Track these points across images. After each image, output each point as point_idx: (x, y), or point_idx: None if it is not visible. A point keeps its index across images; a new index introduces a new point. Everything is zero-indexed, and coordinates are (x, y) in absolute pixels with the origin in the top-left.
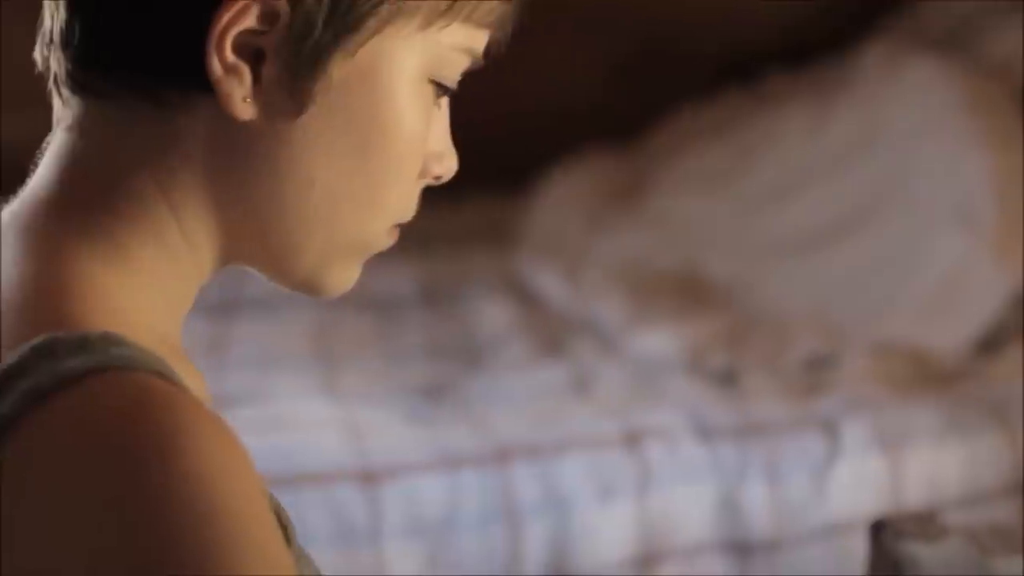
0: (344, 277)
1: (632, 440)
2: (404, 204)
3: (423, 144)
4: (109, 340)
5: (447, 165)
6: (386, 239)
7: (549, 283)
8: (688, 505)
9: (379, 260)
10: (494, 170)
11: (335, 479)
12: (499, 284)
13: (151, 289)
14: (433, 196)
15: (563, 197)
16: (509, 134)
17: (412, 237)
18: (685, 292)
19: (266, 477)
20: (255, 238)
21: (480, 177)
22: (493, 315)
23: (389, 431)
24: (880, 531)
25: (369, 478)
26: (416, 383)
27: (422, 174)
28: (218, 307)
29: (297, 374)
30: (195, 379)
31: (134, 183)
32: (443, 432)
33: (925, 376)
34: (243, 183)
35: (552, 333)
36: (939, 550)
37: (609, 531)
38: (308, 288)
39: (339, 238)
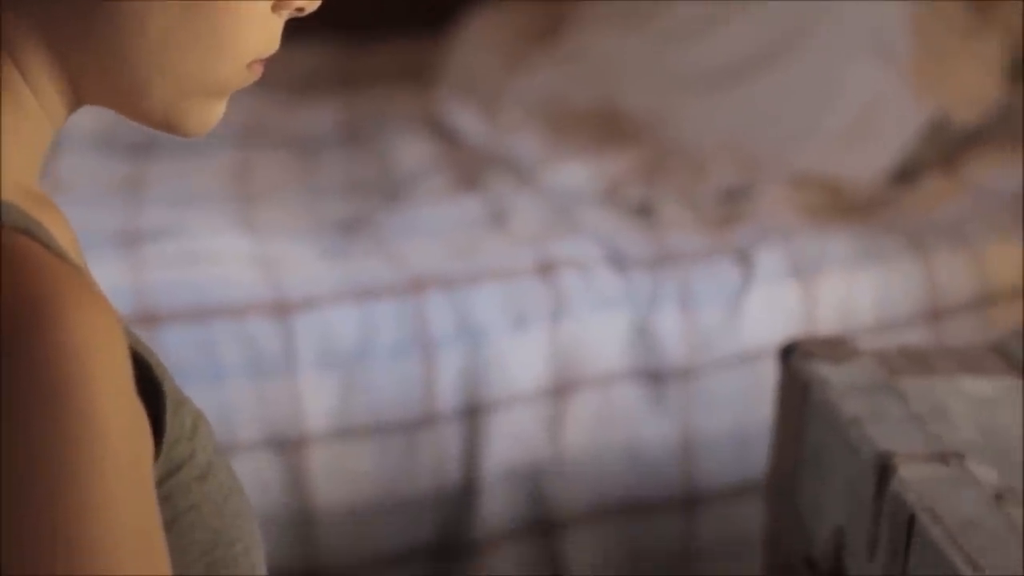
0: (204, 117)
1: (546, 270)
2: (259, 40)
3: None
4: None
5: None
6: (245, 77)
7: (467, 120)
8: (601, 333)
9: (299, 100)
10: (414, 10)
11: (249, 312)
12: (418, 122)
13: (9, 146)
14: (354, 36)
15: (482, 36)
16: None
17: (332, 76)
18: (602, 127)
19: (181, 311)
20: (103, 84)
21: (400, 17)
22: (411, 152)
23: (304, 264)
24: (790, 354)
25: (283, 310)
26: (333, 219)
27: (278, 6)
28: (136, 147)
29: (215, 211)
30: (61, 225)
31: None
32: (358, 264)
33: (840, 206)
34: (79, 33)
35: (469, 168)
36: (847, 370)
37: (522, 360)
38: (169, 128)
39: (189, 80)
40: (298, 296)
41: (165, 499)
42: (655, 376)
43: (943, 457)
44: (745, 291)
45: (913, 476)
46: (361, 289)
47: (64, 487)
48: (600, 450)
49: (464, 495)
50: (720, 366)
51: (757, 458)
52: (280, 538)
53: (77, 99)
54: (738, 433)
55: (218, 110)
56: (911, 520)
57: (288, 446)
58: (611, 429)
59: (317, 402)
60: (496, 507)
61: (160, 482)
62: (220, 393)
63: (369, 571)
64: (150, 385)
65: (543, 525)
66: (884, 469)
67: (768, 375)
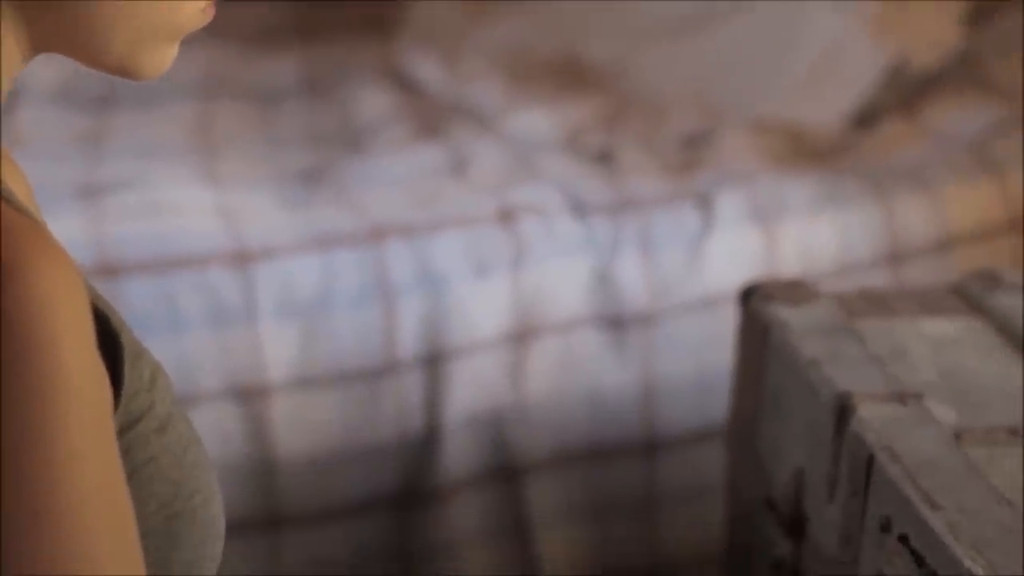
0: (159, 61)
1: (507, 217)
2: None
3: None
4: None
5: None
6: (199, 19)
7: (428, 70)
8: (562, 280)
9: (260, 51)
10: None
11: (209, 262)
12: (379, 73)
13: None
14: None
15: None
16: None
17: (293, 28)
18: (563, 76)
19: (141, 262)
20: (58, 32)
21: None
22: (372, 102)
23: (265, 214)
24: (750, 297)
25: (243, 260)
26: (294, 169)
27: None
28: (97, 100)
29: (176, 162)
30: (17, 178)
31: None
32: (318, 214)
33: (801, 151)
34: None
35: (430, 118)
36: (807, 313)
37: (484, 307)
38: (124, 73)
39: (144, 24)
40: (258, 246)
41: (124, 451)
42: (616, 322)
43: (902, 397)
44: (706, 236)
45: (872, 416)
46: (322, 238)
47: (30, 443)
48: (562, 396)
49: (426, 442)
50: (681, 311)
51: (718, 403)
52: (242, 488)
53: (32, 48)
54: (699, 378)
55: (171, 53)
56: (870, 460)
57: (249, 396)
58: (572, 375)
59: (278, 352)
60: (458, 454)
61: (119, 434)
62: (181, 344)
63: (332, 520)
64: (108, 337)
65: (505, 471)
66: (843, 409)
67: (729, 320)
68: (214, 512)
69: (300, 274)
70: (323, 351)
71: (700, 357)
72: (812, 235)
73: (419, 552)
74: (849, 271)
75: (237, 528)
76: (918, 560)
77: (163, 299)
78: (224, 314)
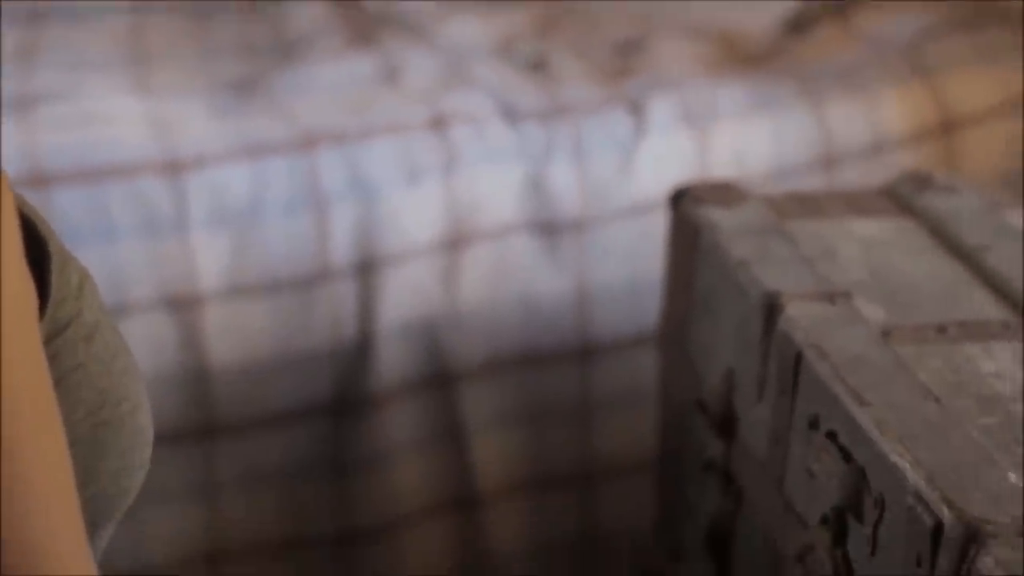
0: None
1: (439, 123)
2: None
3: None
4: None
5: None
6: None
7: None
8: (495, 186)
9: None
10: None
11: (141, 171)
12: None
13: None
14: None
15: None
16: None
17: None
18: None
19: (72, 172)
20: None
21: None
22: (305, 13)
23: (196, 124)
24: (680, 199)
25: (174, 169)
26: (227, 79)
27: None
28: (28, 16)
29: (108, 73)
30: None
31: None
32: (250, 123)
33: (734, 57)
34: None
35: (364, 28)
36: (737, 214)
37: (416, 214)
38: None
39: None
40: (190, 155)
41: (51, 358)
42: (549, 228)
43: (830, 296)
44: (638, 141)
45: (800, 315)
46: (253, 147)
47: None
48: (495, 303)
49: (360, 350)
50: (614, 217)
51: (652, 308)
52: (175, 397)
53: None
54: (633, 284)
55: None
56: (798, 358)
57: (182, 305)
58: (506, 282)
59: (210, 261)
60: (392, 361)
61: (46, 342)
62: (113, 253)
63: (266, 428)
64: (35, 244)
65: (439, 378)
66: (771, 309)
67: (663, 225)
68: (142, 421)
69: (232, 183)
70: (255, 260)
71: (634, 263)
72: (745, 139)
73: (354, 459)
74: (783, 175)
75: (171, 438)
76: (845, 456)
77: (95, 209)
78: (156, 223)
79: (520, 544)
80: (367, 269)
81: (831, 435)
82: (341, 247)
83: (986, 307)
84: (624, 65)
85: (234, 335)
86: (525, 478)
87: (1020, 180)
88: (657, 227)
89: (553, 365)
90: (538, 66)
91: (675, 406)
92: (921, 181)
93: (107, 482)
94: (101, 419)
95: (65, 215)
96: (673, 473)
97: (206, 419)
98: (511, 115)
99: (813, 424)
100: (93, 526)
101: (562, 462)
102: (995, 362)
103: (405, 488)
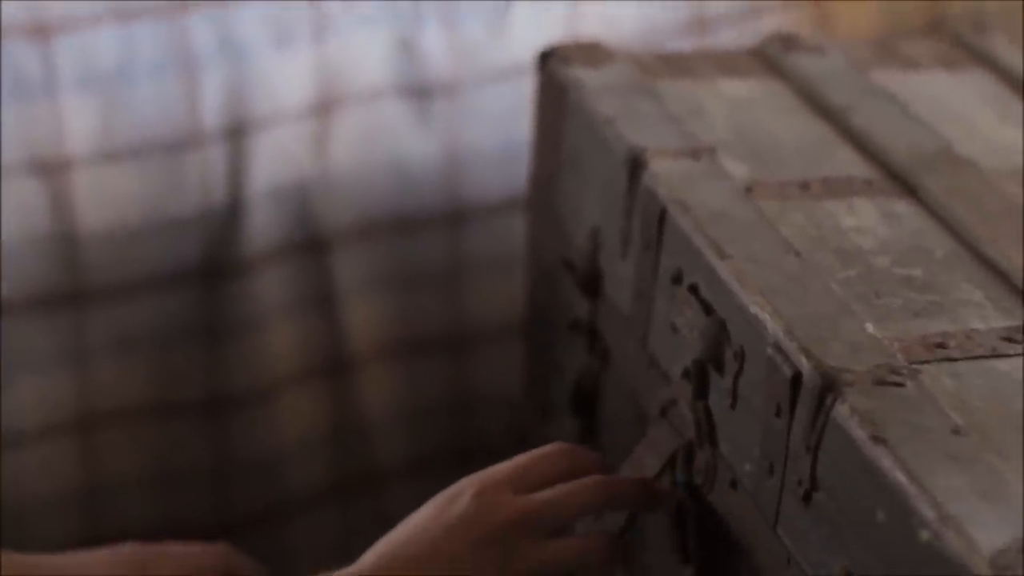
0: None
1: None
2: None
3: None
4: None
5: None
6: None
7: None
8: (365, 50)
9: None
10: None
11: (7, 34)
12: None
13: None
14: None
15: None
16: None
17: None
18: None
19: None
20: None
21: None
22: None
23: None
24: (547, 58)
25: (42, 32)
26: None
27: None
28: None
29: None
30: None
31: None
32: None
33: None
34: None
35: None
36: (604, 74)
37: (286, 78)
38: None
39: None
40: (56, 17)
41: None
42: (420, 92)
43: (695, 152)
44: (510, 4)
45: (664, 170)
46: (122, 9)
47: None
48: (366, 167)
49: (231, 215)
50: (486, 80)
51: (524, 172)
52: (45, 263)
53: None
54: (505, 148)
55: None
56: (662, 214)
57: (50, 170)
58: (377, 146)
59: (79, 125)
60: (263, 226)
61: None
62: None
63: (137, 293)
64: None
65: (311, 243)
66: (636, 165)
67: (532, 90)
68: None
69: (101, 46)
70: (125, 124)
71: (506, 127)
72: (617, 1)
73: (225, 325)
74: (654, 37)
75: (41, 304)
76: (707, 309)
77: None
78: (23, 87)
79: (393, 408)
80: (237, 133)
81: (693, 289)
82: (211, 111)
83: (850, 165)
84: None
85: (103, 200)
86: (397, 342)
87: (889, 42)
88: (529, 91)
89: (424, 229)
90: None
91: (543, 267)
92: (789, 42)
93: None
94: None
95: None
96: (541, 333)
97: (76, 284)
98: None
99: (676, 279)
100: None
101: (434, 326)
102: (857, 218)
103: (277, 353)
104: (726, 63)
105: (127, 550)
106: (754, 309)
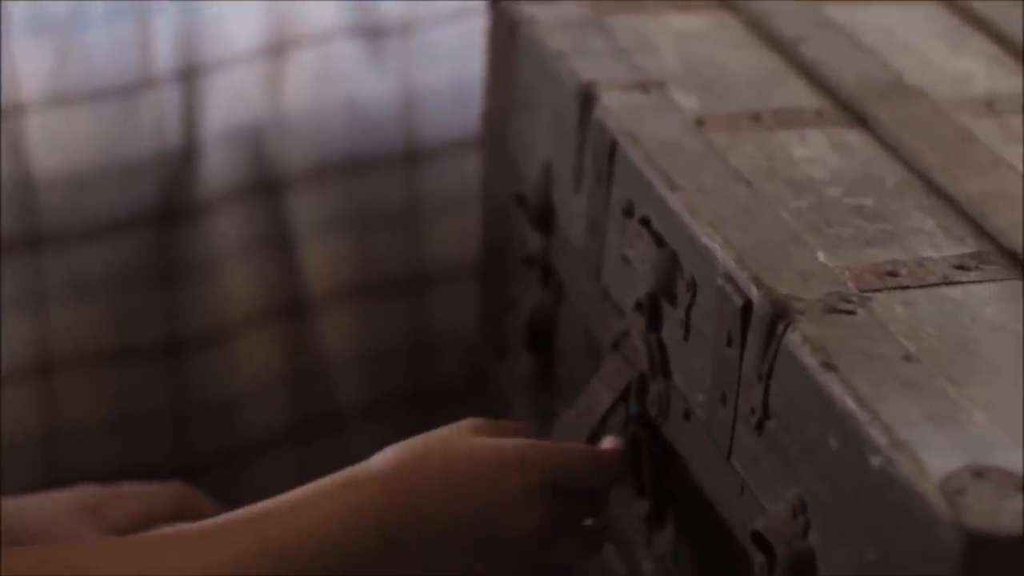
0: None
1: None
2: None
3: None
4: None
5: None
6: None
7: None
8: None
9: None
10: None
11: None
12: None
13: None
14: None
15: None
16: None
17: None
18: None
19: None
20: None
21: None
22: None
23: None
24: None
25: None
26: None
27: None
28: None
29: None
30: None
31: None
32: None
33: None
34: None
35: None
36: (555, 9)
37: (239, 19)
38: None
39: None
40: None
41: None
42: (374, 31)
43: (645, 86)
44: None
45: (614, 104)
46: None
47: None
48: (321, 108)
49: (185, 158)
50: (440, 19)
51: (478, 112)
52: (0, 207)
53: None
54: (459, 87)
55: None
56: (613, 146)
57: (4, 115)
58: (331, 87)
59: (31, 68)
60: (217, 168)
61: None
62: None
63: (93, 237)
64: None
65: (266, 184)
66: (586, 99)
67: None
68: None
69: None
70: (78, 68)
71: (460, 66)
72: None
73: (182, 267)
74: None
75: None
76: (658, 241)
77: None
78: None
79: (351, 349)
80: (191, 75)
81: (645, 221)
82: (164, 54)
83: (801, 96)
84: None
85: (57, 144)
86: (355, 283)
87: None
88: (482, 29)
89: (380, 170)
90: None
91: (497, 204)
92: None
93: None
94: None
95: None
96: (496, 271)
97: (31, 229)
98: None
99: (628, 211)
100: None
101: (391, 267)
102: (808, 148)
103: (235, 295)
104: None
105: (85, 491)
106: (705, 239)
